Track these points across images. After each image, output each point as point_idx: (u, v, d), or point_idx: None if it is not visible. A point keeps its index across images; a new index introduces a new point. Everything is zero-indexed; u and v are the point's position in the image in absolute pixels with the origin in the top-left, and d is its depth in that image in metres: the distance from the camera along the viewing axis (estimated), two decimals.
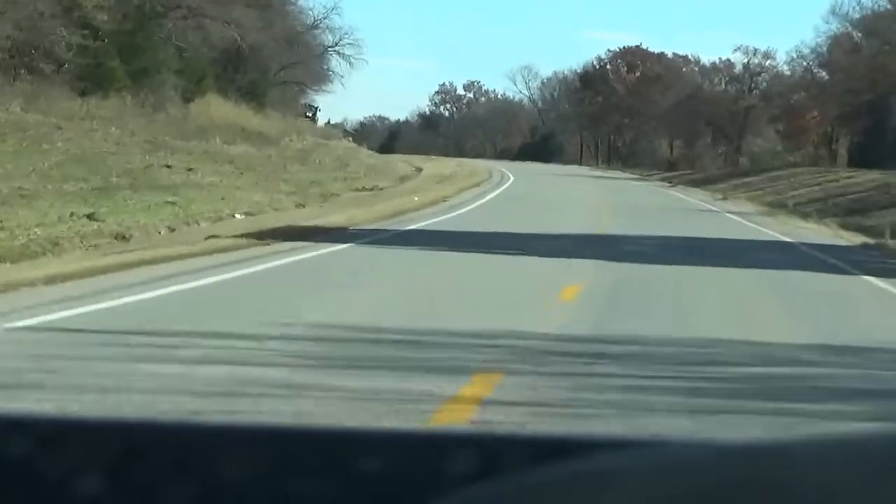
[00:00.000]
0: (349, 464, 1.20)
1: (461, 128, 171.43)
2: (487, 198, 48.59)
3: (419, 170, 78.59)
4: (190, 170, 49.49)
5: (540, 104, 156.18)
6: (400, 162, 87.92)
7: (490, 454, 1.20)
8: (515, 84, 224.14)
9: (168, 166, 49.10)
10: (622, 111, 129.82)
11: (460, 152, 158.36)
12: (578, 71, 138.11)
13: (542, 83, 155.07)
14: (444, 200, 42.81)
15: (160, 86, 64.56)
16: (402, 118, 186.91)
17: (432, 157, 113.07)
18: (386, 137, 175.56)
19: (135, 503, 1.20)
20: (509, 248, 23.39)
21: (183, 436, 1.30)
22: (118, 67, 59.43)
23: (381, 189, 58.73)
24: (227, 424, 1.37)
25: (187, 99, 68.87)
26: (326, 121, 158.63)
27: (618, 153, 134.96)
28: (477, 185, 62.69)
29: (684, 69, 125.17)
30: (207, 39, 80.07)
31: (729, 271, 21.19)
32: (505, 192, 55.14)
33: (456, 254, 21.60)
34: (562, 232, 29.25)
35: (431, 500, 1.03)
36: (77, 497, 1.20)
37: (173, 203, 38.72)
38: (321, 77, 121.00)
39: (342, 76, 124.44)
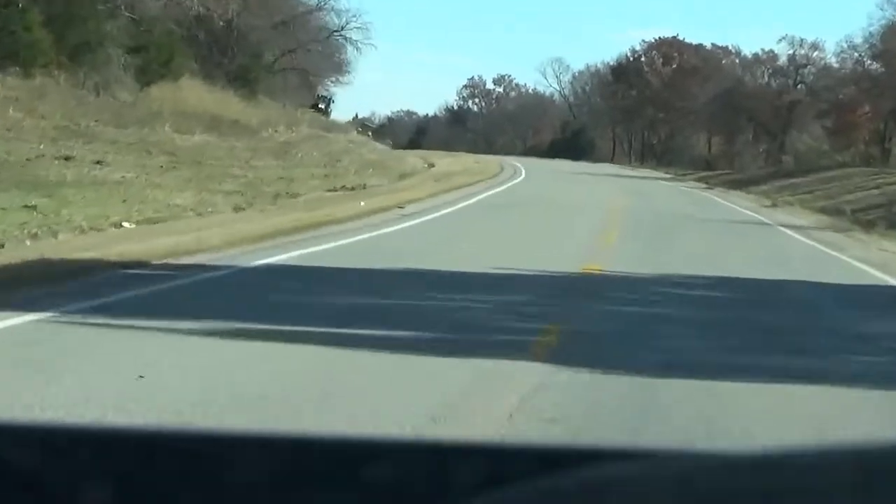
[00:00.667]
0: (356, 474, 1.18)
1: (490, 123, 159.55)
2: (471, 201, 36.71)
3: (431, 165, 70.56)
4: (99, 163, 37.80)
5: (571, 99, 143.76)
6: (414, 157, 78.36)
7: (497, 464, 1.17)
8: (546, 78, 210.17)
9: (67, 158, 37.25)
10: (657, 105, 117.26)
11: (489, 148, 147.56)
12: (611, 63, 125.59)
13: (574, 77, 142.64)
14: (400, 207, 30.70)
15: (105, 64, 52.65)
16: (431, 113, 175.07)
17: (453, 152, 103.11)
18: (413, 133, 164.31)
19: None
20: (389, 323, 11.13)
21: (190, 444, 1.26)
22: (44, 39, 47.26)
23: (364, 188, 47.18)
24: (235, 433, 1.28)
25: (147, 81, 56.78)
26: (354, 115, 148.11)
27: (652, 150, 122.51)
28: (475, 183, 51.06)
29: (724, 61, 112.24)
30: (183, 16, 68.50)
31: (831, 396, 8.79)
32: (500, 194, 43.14)
33: (230, 344, 9.43)
34: (530, 269, 16.94)
35: None
36: None
37: (34, 207, 27.12)
38: (333, 66, 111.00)
39: (350, 62, 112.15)
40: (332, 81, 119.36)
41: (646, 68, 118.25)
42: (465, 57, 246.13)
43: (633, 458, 1.10)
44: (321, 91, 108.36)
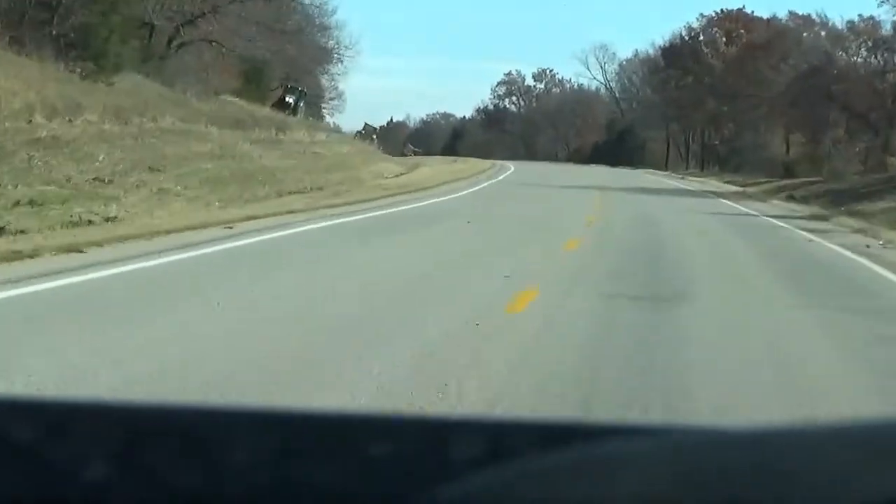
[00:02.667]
0: (356, 449, 1.13)
1: (530, 124, 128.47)
2: None
3: (399, 175, 50.09)
4: None
5: (618, 92, 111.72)
6: (394, 164, 57.73)
7: (499, 440, 1.12)
8: (588, 68, 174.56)
9: None
10: (719, 96, 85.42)
11: (529, 153, 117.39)
12: (662, 44, 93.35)
13: (621, 66, 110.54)
14: None
15: None
16: (468, 115, 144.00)
17: (460, 158, 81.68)
18: (449, 137, 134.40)
19: (142, 487, 1.13)
20: None
21: (189, 420, 1.22)
22: None
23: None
24: (234, 408, 1.23)
25: None
26: (389, 118, 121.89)
27: (714, 153, 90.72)
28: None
29: (806, 34, 79.72)
30: None
31: None
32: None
33: None
34: None
35: (440, 486, 1.00)
36: (84, 481, 1.12)
37: None
38: (319, 53, 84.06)
39: (341, 47, 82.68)
40: (323, 73, 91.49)
41: (705, 49, 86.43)
42: (503, 50, 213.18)
43: (633, 435, 1.03)
44: (293, 83, 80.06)
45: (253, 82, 72.73)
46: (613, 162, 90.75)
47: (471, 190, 36.16)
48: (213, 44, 58.28)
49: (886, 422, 0.91)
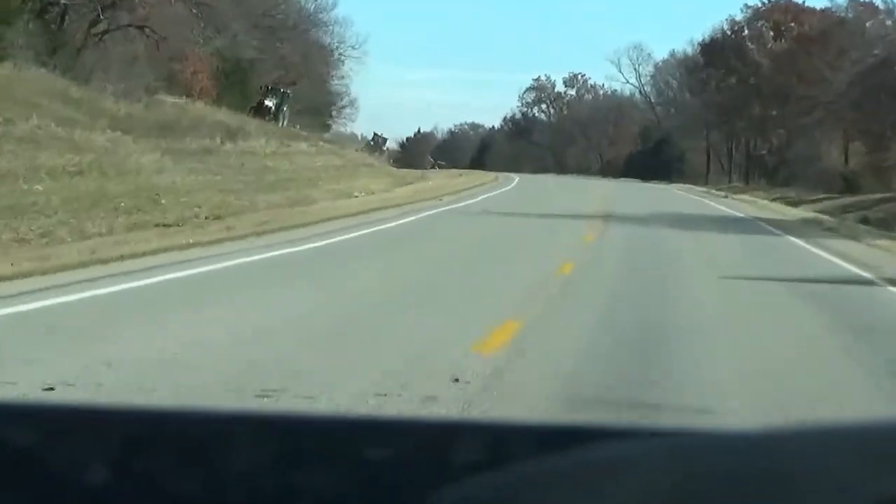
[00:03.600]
0: (356, 453, 1.12)
1: (560, 134, 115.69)
2: None
3: (372, 193, 39.55)
4: None
5: (653, 97, 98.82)
6: (368, 179, 46.64)
7: (498, 443, 1.11)
8: (621, 71, 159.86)
9: None
10: (767, 98, 72.32)
11: (560, 166, 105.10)
12: (702, 41, 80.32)
13: (656, 68, 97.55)
14: None
15: None
16: (497, 125, 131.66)
17: (464, 171, 70.49)
18: (477, 149, 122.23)
19: (142, 492, 1.12)
20: None
21: (191, 425, 1.21)
22: None
23: None
24: (235, 413, 1.24)
25: None
26: (416, 129, 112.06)
27: (761, 164, 77.88)
28: None
29: (869, 24, 66.60)
30: None
31: None
32: None
33: None
34: None
35: (440, 489, 0.98)
36: (85, 486, 1.11)
37: None
38: (307, 51, 74.16)
39: (339, 43, 71.45)
40: (329, 77, 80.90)
41: (750, 44, 73.42)
42: (534, 58, 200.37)
43: (631, 438, 1.03)
44: (275, 85, 68.78)
45: (236, 84, 61.37)
46: (649, 175, 78.69)
47: (403, 221, 23.85)
48: (146, 30, 46.11)
49: (886, 425, 0.88)
